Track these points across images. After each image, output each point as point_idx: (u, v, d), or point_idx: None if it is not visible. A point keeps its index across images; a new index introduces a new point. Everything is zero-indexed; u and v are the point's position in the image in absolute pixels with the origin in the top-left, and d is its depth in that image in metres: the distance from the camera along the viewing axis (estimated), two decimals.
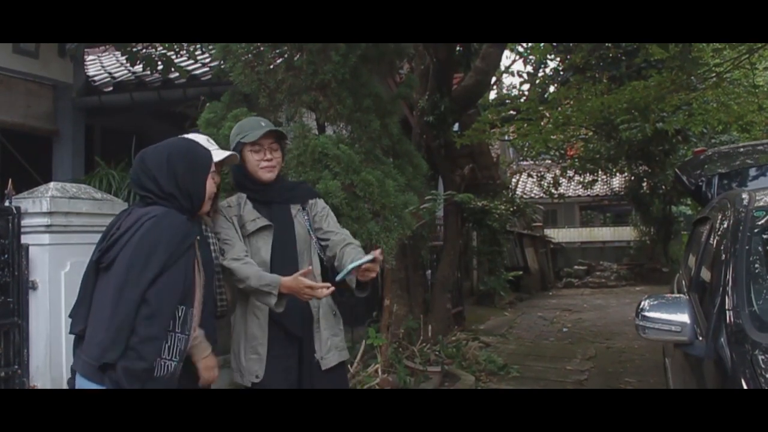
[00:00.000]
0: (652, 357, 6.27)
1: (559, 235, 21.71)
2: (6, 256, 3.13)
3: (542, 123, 6.67)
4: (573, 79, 6.57)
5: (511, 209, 13.41)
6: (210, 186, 2.05)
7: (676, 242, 17.02)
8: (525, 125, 6.68)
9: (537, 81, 9.36)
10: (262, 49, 4.14)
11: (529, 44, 8.83)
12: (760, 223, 2.43)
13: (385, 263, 4.63)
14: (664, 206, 16.84)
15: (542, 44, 6.84)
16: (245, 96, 4.22)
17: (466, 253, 11.20)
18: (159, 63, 5.67)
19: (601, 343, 7.83)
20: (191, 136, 2.32)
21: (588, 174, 14.69)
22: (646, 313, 2.27)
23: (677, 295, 2.64)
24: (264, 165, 2.44)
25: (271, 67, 4.15)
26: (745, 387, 1.76)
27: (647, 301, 2.33)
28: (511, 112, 7.96)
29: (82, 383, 1.80)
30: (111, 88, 6.33)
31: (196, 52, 6.37)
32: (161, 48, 5.76)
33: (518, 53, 10.86)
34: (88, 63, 7.05)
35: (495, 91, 12.24)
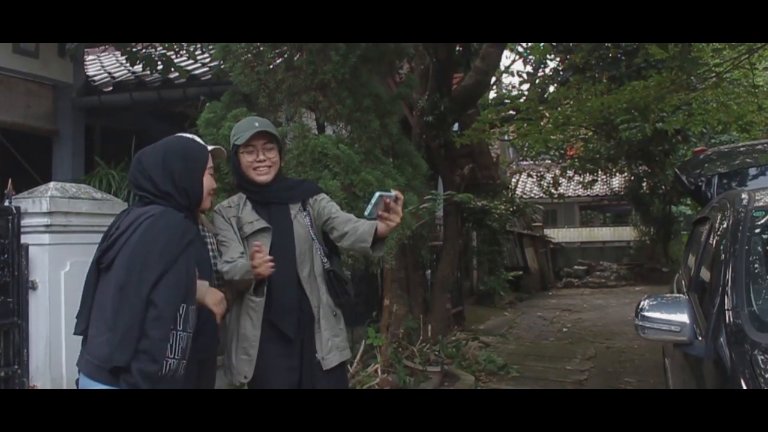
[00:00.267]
0: (652, 357, 6.27)
1: (558, 235, 21.72)
2: (6, 256, 3.13)
3: (542, 123, 6.67)
4: (573, 79, 6.56)
5: (511, 209, 13.43)
6: (208, 181, 2.05)
7: (675, 242, 17.02)
8: (525, 125, 6.68)
9: (537, 81, 9.35)
10: (261, 49, 4.14)
11: (529, 44, 8.84)
12: (759, 223, 2.44)
13: (385, 263, 4.63)
14: (664, 206, 16.85)
15: (542, 44, 6.84)
16: (245, 96, 4.22)
17: (465, 253, 11.21)
18: (159, 63, 5.67)
19: (601, 343, 7.84)
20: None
21: (588, 174, 14.71)
22: (646, 313, 2.26)
23: (677, 295, 2.64)
24: (257, 166, 2.43)
25: (271, 67, 4.15)
26: (744, 387, 1.76)
27: (647, 301, 2.33)
28: (511, 112, 7.95)
29: (86, 383, 1.81)
30: (111, 88, 6.32)
31: (196, 52, 6.36)
32: (161, 48, 5.75)
33: (518, 53, 10.86)
34: (88, 63, 7.04)
35: (495, 91, 12.24)
